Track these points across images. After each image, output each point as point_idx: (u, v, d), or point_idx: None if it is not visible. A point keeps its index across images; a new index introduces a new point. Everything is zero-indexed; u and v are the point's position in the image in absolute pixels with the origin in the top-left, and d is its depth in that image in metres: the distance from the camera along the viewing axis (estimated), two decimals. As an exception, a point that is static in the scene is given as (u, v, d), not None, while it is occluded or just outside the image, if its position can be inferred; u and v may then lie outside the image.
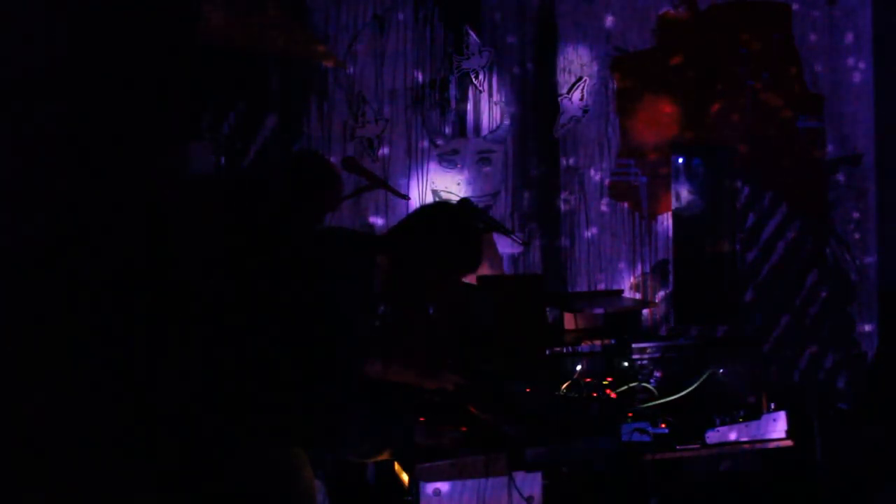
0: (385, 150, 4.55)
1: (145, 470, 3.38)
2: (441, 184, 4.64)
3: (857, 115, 5.22)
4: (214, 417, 2.56)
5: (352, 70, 4.51)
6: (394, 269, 2.51)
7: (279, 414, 2.49)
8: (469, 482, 2.47)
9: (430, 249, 2.49)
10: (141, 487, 3.33)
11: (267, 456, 2.49)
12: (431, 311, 3.62)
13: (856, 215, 5.23)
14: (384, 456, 2.63)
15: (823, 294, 5.18)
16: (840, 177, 5.22)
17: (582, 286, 4.84)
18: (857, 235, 5.23)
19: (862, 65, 5.23)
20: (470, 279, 3.37)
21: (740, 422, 2.71)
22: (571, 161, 4.84)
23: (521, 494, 2.47)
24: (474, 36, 4.68)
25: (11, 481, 3.41)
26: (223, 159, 4.23)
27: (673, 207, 4.98)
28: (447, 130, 4.66)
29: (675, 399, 2.76)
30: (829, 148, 5.21)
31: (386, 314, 2.95)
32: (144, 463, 3.40)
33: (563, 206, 4.81)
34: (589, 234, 4.86)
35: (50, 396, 3.61)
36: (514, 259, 4.71)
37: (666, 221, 4.97)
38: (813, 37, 5.17)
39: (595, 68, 4.87)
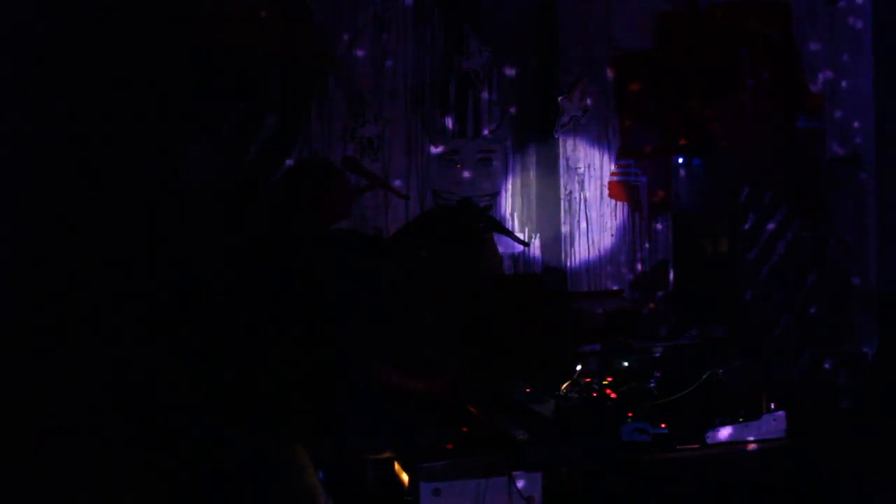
0: (385, 151, 4.55)
1: (146, 469, 3.38)
2: (441, 184, 4.64)
3: (857, 115, 5.22)
4: (218, 418, 2.57)
5: (352, 70, 4.51)
6: (399, 272, 2.52)
7: (283, 414, 2.50)
8: (469, 482, 2.47)
9: (433, 254, 2.50)
10: (142, 486, 3.33)
11: (269, 456, 2.50)
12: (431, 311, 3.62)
13: (856, 215, 5.23)
14: (385, 454, 2.64)
15: (823, 294, 5.18)
16: (840, 177, 5.21)
17: (582, 286, 4.83)
18: (857, 235, 5.23)
19: (862, 64, 5.22)
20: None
21: (740, 422, 2.71)
22: (571, 161, 4.84)
23: (521, 494, 2.48)
24: (474, 36, 4.68)
25: (11, 481, 3.41)
26: (223, 160, 4.23)
27: (673, 207, 4.98)
28: (447, 130, 4.66)
29: (675, 399, 2.76)
30: (829, 148, 5.20)
31: (392, 316, 2.95)
32: (146, 462, 3.40)
33: (563, 206, 4.81)
34: (588, 233, 4.85)
35: (49, 395, 3.61)
36: (514, 259, 4.71)
37: (666, 221, 4.96)
38: (813, 36, 5.17)
39: (595, 68, 4.87)
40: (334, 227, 3.22)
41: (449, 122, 4.66)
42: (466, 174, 4.68)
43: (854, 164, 5.22)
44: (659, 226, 4.96)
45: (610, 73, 4.89)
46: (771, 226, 5.14)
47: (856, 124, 5.21)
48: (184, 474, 2.83)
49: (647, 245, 4.94)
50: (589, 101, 4.85)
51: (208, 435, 2.58)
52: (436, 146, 4.64)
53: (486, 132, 4.71)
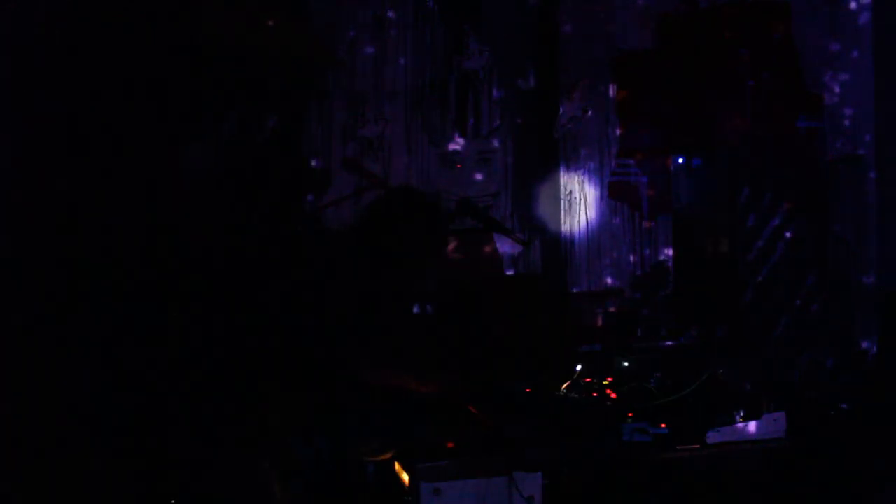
0: (385, 151, 4.55)
1: (133, 471, 3.38)
2: (441, 184, 4.63)
3: (857, 115, 5.22)
4: (205, 419, 2.57)
5: (352, 70, 4.51)
6: (377, 260, 2.54)
7: (271, 416, 2.50)
8: (469, 482, 2.47)
9: (396, 231, 2.53)
10: (125, 488, 3.32)
11: (241, 469, 2.49)
12: (430, 311, 3.62)
13: (856, 215, 5.23)
14: (387, 455, 2.64)
15: (823, 294, 5.18)
16: (840, 177, 5.21)
17: (582, 286, 4.83)
18: (857, 235, 5.23)
19: (862, 64, 5.22)
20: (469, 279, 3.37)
21: (740, 422, 2.71)
22: (571, 161, 4.84)
23: (521, 494, 2.47)
24: (474, 36, 4.68)
25: (7, 480, 3.41)
26: (223, 159, 4.23)
27: (673, 207, 4.98)
28: (447, 130, 4.66)
29: (675, 399, 2.76)
30: (830, 148, 5.20)
31: (380, 312, 2.96)
32: (133, 464, 3.39)
33: (563, 206, 4.81)
34: (588, 233, 4.85)
35: (43, 395, 3.61)
36: (514, 259, 4.71)
37: (666, 221, 4.96)
38: (813, 36, 5.17)
39: (595, 68, 4.87)
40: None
41: (449, 123, 4.66)
42: (467, 174, 4.68)
43: (854, 164, 5.22)
44: (658, 225, 4.96)
45: (610, 74, 4.89)
46: (771, 225, 5.14)
47: (855, 124, 5.21)
48: (165, 478, 2.83)
49: (646, 245, 4.94)
50: (589, 102, 4.85)
51: (188, 442, 2.58)
52: (436, 146, 4.64)
53: (486, 132, 4.71)
